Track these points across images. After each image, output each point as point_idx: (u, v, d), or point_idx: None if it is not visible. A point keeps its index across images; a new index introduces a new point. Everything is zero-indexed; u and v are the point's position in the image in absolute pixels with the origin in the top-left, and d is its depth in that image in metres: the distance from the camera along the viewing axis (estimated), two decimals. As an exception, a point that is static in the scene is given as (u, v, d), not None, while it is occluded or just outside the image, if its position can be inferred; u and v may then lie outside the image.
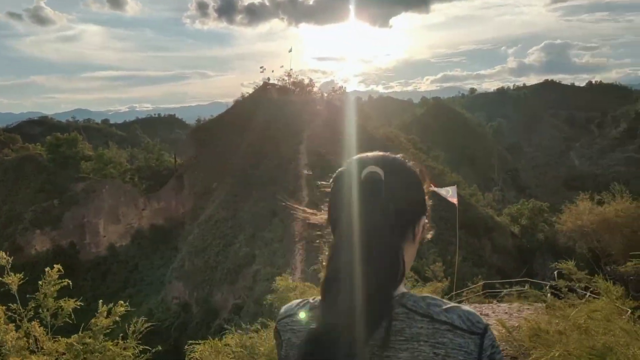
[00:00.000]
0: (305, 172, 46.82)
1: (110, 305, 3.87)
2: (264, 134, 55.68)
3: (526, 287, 19.19)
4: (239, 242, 42.42)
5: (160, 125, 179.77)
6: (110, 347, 3.53)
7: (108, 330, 3.74)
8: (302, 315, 1.24)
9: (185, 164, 63.01)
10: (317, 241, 1.48)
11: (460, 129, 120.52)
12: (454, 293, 16.83)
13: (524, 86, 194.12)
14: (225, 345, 3.87)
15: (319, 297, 1.21)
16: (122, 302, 4.03)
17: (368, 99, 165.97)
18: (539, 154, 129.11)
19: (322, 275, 1.17)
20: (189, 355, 3.61)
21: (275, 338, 1.30)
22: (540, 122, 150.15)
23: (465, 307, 1.13)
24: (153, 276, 51.88)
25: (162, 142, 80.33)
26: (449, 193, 14.92)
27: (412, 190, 1.24)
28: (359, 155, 1.33)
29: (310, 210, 1.41)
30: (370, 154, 1.33)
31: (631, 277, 20.83)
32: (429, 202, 1.32)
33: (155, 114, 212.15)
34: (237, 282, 38.48)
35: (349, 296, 1.03)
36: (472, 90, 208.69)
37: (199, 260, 44.07)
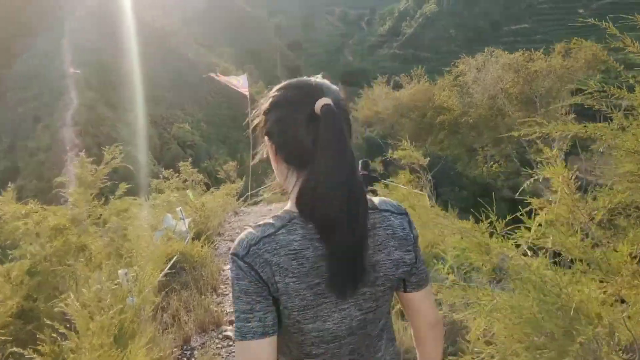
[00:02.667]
0: (72, 70, 41.01)
1: None
2: (14, 24, 46.62)
3: None
4: (-5, 155, 36.20)
5: None
6: None
7: None
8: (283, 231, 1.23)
9: None
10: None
11: (242, 24, 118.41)
12: (249, 193, 16.32)
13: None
14: None
15: (269, 220, 1.25)
16: None
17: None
18: (319, 50, 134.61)
19: (298, 200, 1.22)
20: None
21: (245, 271, 1.19)
22: (317, 18, 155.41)
23: (384, 198, 1.38)
24: None
25: None
26: (240, 82, 13.18)
27: (348, 115, 1.29)
28: (297, 82, 1.30)
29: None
30: (307, 80, 1.29)
31: (413, 164, 22.89)
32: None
33: None
34: (-1, 200, 33.16)
35: (347, 217, 1.15)
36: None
37: (-58, 180, 36.59)
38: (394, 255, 1.29)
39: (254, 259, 1.19)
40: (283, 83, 1.31)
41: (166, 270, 4.75)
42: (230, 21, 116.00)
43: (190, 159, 13.01)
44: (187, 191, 9.60)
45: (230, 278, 1.26)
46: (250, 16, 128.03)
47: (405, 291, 1.40)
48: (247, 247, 1.21)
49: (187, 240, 6.44)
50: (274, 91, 1.30)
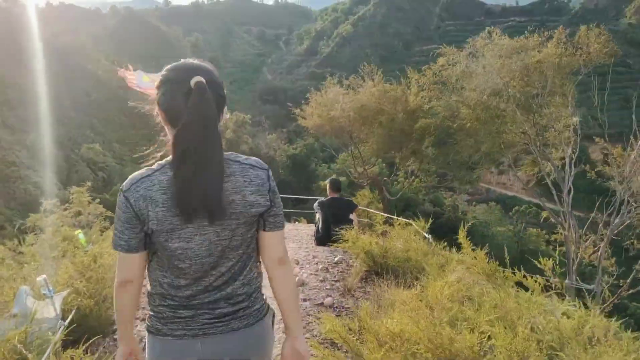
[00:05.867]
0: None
1: None
2: None
3: None
4: None
5: None
6: None
7: None
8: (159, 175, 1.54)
9: None
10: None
11: (157, 42, 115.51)
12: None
13: (218, 2, 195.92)
14: None
15: (153, 166, 1.57)
16: None
17: (46, 7, 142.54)
18: (236, 69, 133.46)
19: (170, 152, 1.52)
20: None
21: (122, 202, 1.53)
22: (235, 37, 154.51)
23: (254, 157, 1.66)
24: None
25: None
26: (155, 83, 11.26)
27: (221, 89, 1.60)
28: (180, 64, 1.60)
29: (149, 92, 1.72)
30: (187, 62, 1.60)
31: (385, 179, 21.44)
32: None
33: None
34: None
35: (202, 159, 1.46)
36: (167, 2, 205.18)
37: None
38: (250, 198, 1.57)
39: (131, 194, 1.52)
40: (170, 65, 1.60)
41: None
42: (144, 39, 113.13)
43: (89, 184, 10.70)
44: (77, 232, 6.08)
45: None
46: (164, 34, 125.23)
47: (264, 230, 1.67)
48: (130, 184, 1.54)
49: (48, 351, 2.80)
50: (163, 71, 1.59)
